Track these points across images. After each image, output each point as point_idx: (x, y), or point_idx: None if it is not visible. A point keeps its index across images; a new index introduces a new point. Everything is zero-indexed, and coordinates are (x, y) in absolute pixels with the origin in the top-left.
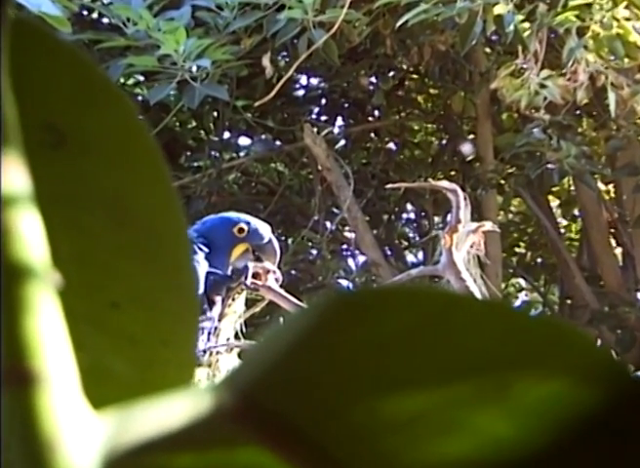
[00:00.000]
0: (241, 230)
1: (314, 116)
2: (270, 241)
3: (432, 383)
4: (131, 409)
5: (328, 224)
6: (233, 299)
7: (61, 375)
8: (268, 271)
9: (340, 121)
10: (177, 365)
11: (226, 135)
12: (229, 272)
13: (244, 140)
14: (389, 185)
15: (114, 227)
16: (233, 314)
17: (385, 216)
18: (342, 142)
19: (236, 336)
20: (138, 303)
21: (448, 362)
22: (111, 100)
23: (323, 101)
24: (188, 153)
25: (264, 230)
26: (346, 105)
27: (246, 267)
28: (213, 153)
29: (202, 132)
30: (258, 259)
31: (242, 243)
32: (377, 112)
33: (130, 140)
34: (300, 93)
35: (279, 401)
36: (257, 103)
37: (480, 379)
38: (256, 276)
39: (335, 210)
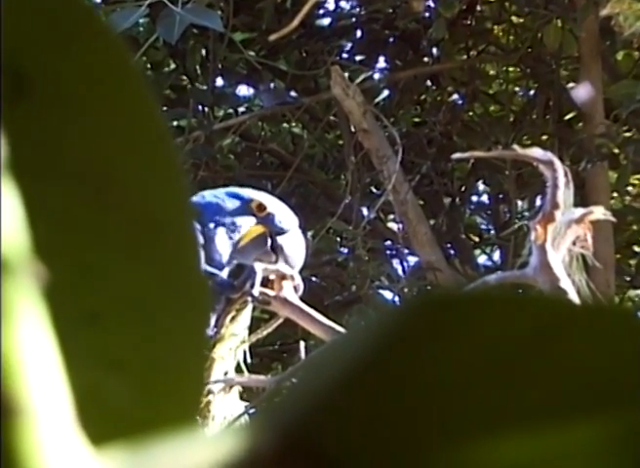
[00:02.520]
0: (261, 208)
1: (345, 55)
2: (295, 232)
3: (542, 423)
4: (140, 449)
5: (365, 211)
6: (234, 317)
7: (50, 405)
8: (284, 277)
9: (382, 63)
10: (178, 398)
11: (219, 82)
12: (229, 270)
13: (244, 90)
14: (455, 155)
15: (96, 210)
16: (233, 338)
17: (447, 200)
18: (386, 93)
19: (237, 370)
20: (126, 315)
21: (564, 393)
22: (96, 37)
23: (358, 34)
24: (165, 108)
25: (289, 217)
26: (391, 40)
27: (253, 271)
28: (200, 108)
29: (184, 78)
30: (271, 254)
31: (259, 224)
32: (435, 50)
33: (120, 92)
34: (326, 21)
35: (332, 442)
36: (272, 37)
37: (608, 417)
38: (266, 284)
39: (374, 190)
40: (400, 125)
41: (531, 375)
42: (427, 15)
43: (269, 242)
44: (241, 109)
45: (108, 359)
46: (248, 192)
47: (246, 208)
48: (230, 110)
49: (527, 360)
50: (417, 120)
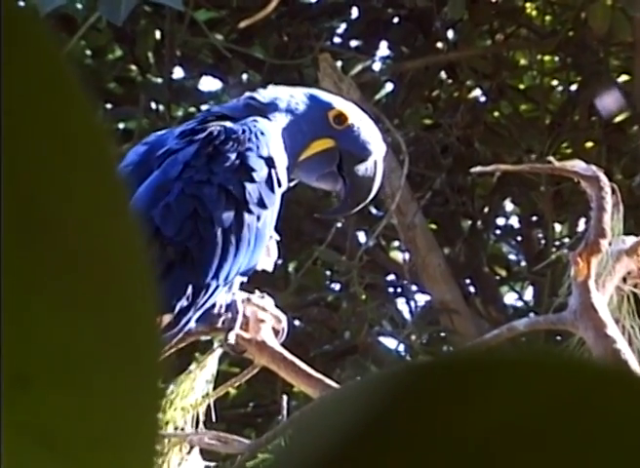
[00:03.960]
0: (341, 119)
1: (338, 40)
2: (375, 162)
3: None
4: None
5: (361, 237)
6: (198, 362)
7: None
8: (262, 320)
9: (384, 50)
10: None
11: (178, 73)
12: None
13: (210, 84)
14: (476, 168)
15: (25, 241)
16: (191, 391)
17: (466, 224)
18: (389, 88)
19: (196, 427)
20: (61, 380)
21: None
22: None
23: (354, 13)
24: (109, 106)
25: (374, 141)
26: (396, 21)
27: (232, 305)
28: (153, 106)
29: (133, 67)
30: (336, 179)
31: (330, 138)
32: (451, 34)
33: (54, 100)
34: None
35: None
36: (243, 23)
37: None
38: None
39: (373, 211)
40: (407, 128)
41: (550, 452)
42: None
43: (337, 162)
44: (205, 108)
45: (39, 433)
46: (330, 98)
47: (322, 115)
48: (192, 109)
49: (547, 435)
50: (428, 122)
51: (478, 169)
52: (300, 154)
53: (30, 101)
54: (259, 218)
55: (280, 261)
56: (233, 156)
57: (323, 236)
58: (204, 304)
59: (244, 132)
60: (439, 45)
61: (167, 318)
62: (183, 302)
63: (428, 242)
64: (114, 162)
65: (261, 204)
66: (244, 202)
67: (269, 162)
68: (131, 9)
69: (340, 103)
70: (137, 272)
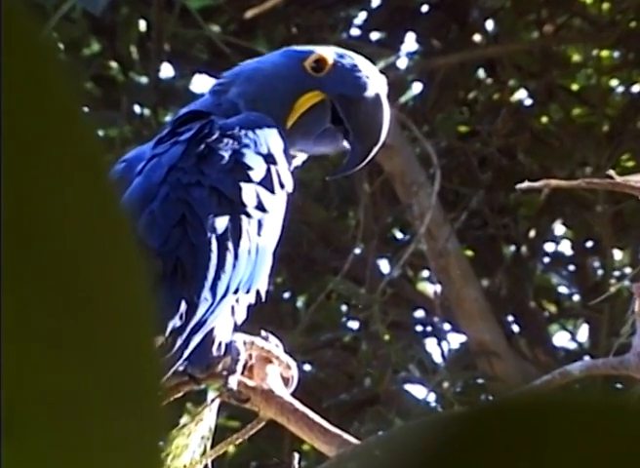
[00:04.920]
0: (321, 64)
1: (356, 32)
2: (372, 95)
3: None
4: None
5: (384, 266)
6: (192, 415)
7: None
8: (269, 359)
9: (411, 43)
10: None
11: (167, 71)
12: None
13: (205, 84)
14: (520, 185)
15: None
16: (185, 450)
17: (509, 250)
18: (418, 88)
19: None
20: (48, 426)
21: None
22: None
23: (375, 1)
24: (85, 109)
25: (365, 72)
26: (425, 9)
27: (233, 346)
28: (138, 111)
29: (114, 65)
30: (336, 135)
31: (316, 89)
32: (491, 24)
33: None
34: None
35: None
36: (248, 14)
37: None
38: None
39: (398, 235)
40: (438, 137)
41: None
42: None
43: (330, 113)
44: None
45: None
46: (303, 48)
47: (297, 66)
48: None
49: None
50: (463, 129)
51: (523, 185)
52: (286, 121)
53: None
54: (259, 224)
55: (288, 295)
56: (227, 154)
57: (338, 264)
58: (200, 326)
59: (240, 127)
60: (476, 38)
61: (158, 340)
62: (176, 322)
63: (464, 271)
64: (107, 172)
65: (261, 207)
66: (240, 205)
67: (269, 159)
68: None
69: (314, 49)
70: (134, 294)
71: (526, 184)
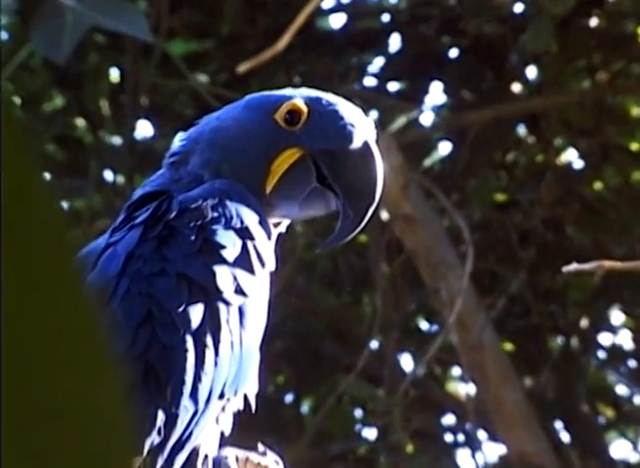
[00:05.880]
0: (294, 114)
1: (371, 81)
2: (360, 146)
3: None
4: None
5: (406, 363)
6: None
7: None
8: None
9: (437, 94)
10: None
11: (144, 129)
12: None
13: None
14: (570, 267)
15: None
16: None
17: (556, 343)
18: (446, 149)
19: None
20: None
21: None
22: None
23: (394, 44)
24: (46, 176)
25: (347, 120)
26: (455, 55)
27: (223, 463)
28: (109, 178)
29: (81, 123)
30: (325, 195)
31: (294, 146)
32: (533, 71)
33: None
34: (337, 20)
35: None
36: (242, 67)
37: None
38: None
39: (423, 324)
40: (470, 207)
41: None
42: (519, 10)
43: (314, 171)
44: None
45: None
46: (269, 95)
47: (267, 120)
48: None
49: None
50: (500, 198)
51: (572, 267)
52: (263, 186)
53: None
54: (240, 312)
55: (290, 398)
56: (193, 233)
57: (351, 361)
58: (184, 441)
59: (204, 199)
60: (515, 88)
61: (135, 463)
62: (154, 438)
63: (502, 369)
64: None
65: (240, 291)
66: (215, 291)
67: (244, 233)
68: (76, 41)
69: (285, 96)
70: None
71: (575, 266)
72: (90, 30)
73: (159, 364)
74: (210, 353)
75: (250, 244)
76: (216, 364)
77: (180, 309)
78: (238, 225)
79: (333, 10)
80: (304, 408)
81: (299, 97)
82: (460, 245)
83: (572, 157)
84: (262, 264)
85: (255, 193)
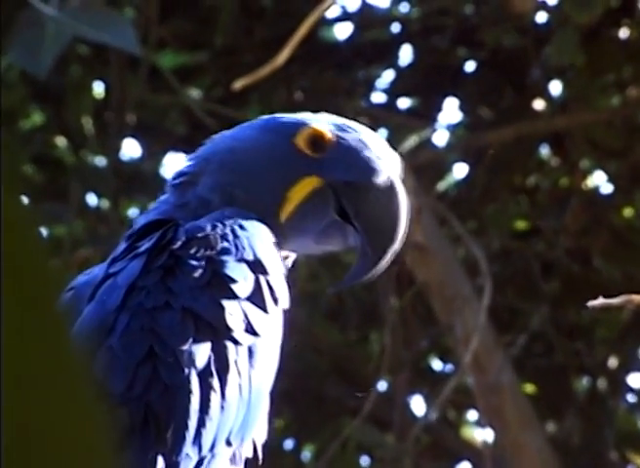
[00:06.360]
0: (317, 140)
1: (379, 97)
2: (389, 185)
3: None
4: None
5: (417, 406)
6: None
7: None
8: None
9: (452, 112)
10: None
11: (131, 149)
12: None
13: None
14: (596, 302)
15: None
16: None
17: (582, 384)
18: (462, 172)
19: None
20: None
21: None
22: None
23: (405, 57)
24: (24, 200)
25: (372, 153)
26: (472, 69)
27: None
28: (92, 202)
29: (62, 142)
30: (344, 229)
31: (313, 174)
32: (557, 87)
33: None
34: (342, 31)
35: None
36: (238, 83)
37: None
38: None
39: (436, 364)
40: (488, 235)
41: None
42: (542, 20)
43: (334, 202)
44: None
45: None
46: (292, 118)
47: (287, 145)
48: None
49: None
50: (521, 226)
51: (599, 302)
52: (278, 214)
53: None
54: (250, 353)
55: (291, 443)
56: (201, 265)
57: (357, 403)
58: None
59: (214, 227)
60: (538, 105)
61: None
62: None
63: (522, 413)
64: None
65: (251, 330)
66: (224, 329)
67: (256, 267)
68: (58, 53)
69: (308, 120)
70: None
71: (603, 300)
72: (72, 41)
73: (160, 406)
74: (216, 396)
75: (262, 278)
76: (222, 408)
77: (185, 347)
78: (250, 258)
79: (338, 19)
80: (306, 454)
81: (323, 122)
82: (477, 277)
83: (599, 181)
84: (276, 301)
85: (268, 222)
